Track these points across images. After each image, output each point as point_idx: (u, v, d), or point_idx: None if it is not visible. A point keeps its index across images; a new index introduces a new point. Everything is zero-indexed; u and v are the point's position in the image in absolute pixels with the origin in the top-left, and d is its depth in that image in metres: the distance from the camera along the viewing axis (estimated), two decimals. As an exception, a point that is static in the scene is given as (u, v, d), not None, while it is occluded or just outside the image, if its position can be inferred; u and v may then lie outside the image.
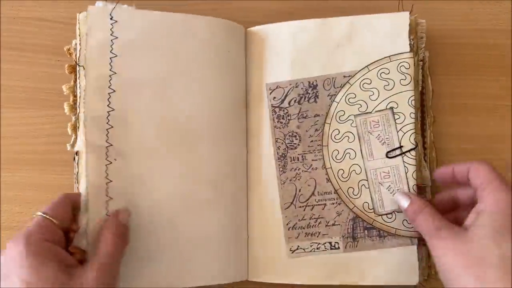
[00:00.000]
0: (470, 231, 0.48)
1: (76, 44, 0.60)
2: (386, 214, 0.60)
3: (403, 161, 0.59)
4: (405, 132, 0.59)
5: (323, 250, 0.60)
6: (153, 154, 0.58)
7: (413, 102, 0.59)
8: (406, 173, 0.59)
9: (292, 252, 0.61)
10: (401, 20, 0.60)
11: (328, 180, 0.61)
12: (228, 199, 0.61)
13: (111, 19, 0.58)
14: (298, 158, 0.61)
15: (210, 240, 0.59)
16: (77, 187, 0.59)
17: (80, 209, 0.55)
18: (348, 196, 0.60)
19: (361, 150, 0.60)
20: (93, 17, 0.58)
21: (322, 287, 0.61)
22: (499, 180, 0.50)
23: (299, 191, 0.61)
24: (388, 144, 0.60)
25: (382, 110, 0.60)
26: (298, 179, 0.61)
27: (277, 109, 0.62)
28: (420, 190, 0.60)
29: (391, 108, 0.60)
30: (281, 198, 0.61)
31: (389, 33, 0.61)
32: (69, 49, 0.61)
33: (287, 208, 0.61)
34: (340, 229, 0.60)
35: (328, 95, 0.61)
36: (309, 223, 0.60)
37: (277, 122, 0.62)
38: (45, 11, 0.67)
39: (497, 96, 0.65)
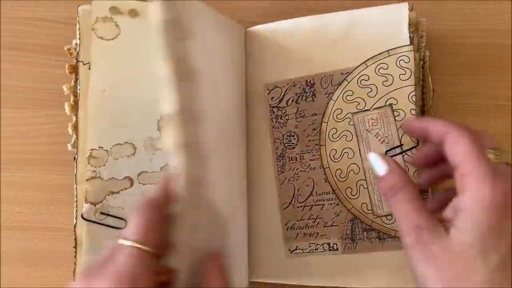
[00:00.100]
0: (452, 237, 0.39)
1: (76, 44, 0.60)
2: (386, 216, 0.59)
3: (404, 160, 0.58)
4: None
5: (322, 251, 0.60)
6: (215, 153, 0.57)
7: (413, 98, 0.58)
8: (406, 172, 0.59)
9: (291, 253, 0.60)
10: (399, 12, 0.59)
11: (326, 180, 0.60)
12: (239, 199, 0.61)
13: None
14: (296, 158, 0.61)
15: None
16: (76, 188, 0.59)
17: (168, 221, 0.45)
18: (346, 197, 0.60)
19: (359, 149, 0.59)
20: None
21: (321, 288, 0.61)
22: (484, 167, 0.39)
23: (297, 191, 0.61)
24: (387, 143, 0.59)
25: (381, 107, 0.59)
26: (297, 179, 0.61)
27: (275, 109, 0.62)
28: (421, 191, 0.59)
29: (391, 104, 0.59)
30: (280, 198, 0.61)
31: (387, 26, 0.59)
32: (69, 49, 0.61)
33: (286, 208, 0.61)
34: (339, 230, 0.60)
35: (326, 93, 0.61)
36: (308, 223, 0.60)
37: (275, 122, 0.62)
38: (45, 11, 0.68)
39: (497, 96, 0.65)
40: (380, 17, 0.59)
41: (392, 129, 0.59)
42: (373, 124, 0.59)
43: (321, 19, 0.61)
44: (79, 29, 0.60)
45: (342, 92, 0.60)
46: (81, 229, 0.58)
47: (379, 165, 0.47)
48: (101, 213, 0.58)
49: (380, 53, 0.59)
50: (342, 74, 0.60)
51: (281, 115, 0.61)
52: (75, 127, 0.60)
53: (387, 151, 0.58)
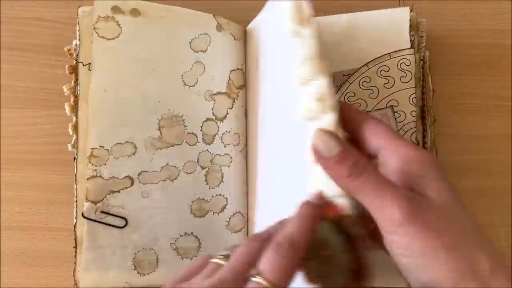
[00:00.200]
0: (433, 198, 0.40)
1: (76, 44, 0.60)
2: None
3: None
4: (406, 130, 0.59)
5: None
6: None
7: (414, 99, 0.59)
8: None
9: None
10: (401, 16, 0.60)
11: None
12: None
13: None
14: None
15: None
16: (77, 188, 0.59)
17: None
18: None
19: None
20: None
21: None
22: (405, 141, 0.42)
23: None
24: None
25: (382, 108, 0.60)
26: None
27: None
28: None
29: (391, 106, 0.59)
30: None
31: (389, 29, 0.60)
32: (69, 50, 0.61)
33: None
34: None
35: (328, 95, 0.61)
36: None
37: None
38: (45, 11, 0.67)
39: (497, 96, 0.65)
40: (382, 20, 0.60)
41: (393, 129, 0.59)
42: (374, 125, 0.59)
43: (323, 21, 0.61)
44: (79, 31, 0.60)
45: (344, 94, 0.60)
46: (81, 229, 0.58)
47: (328, 144, 0.42)
48: (102, 211, 0.58)
49: (382, 56, 0.60)
50: (344, 75, 0.61)
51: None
52: (75, 127, 0.60)
53: None
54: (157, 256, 0.59)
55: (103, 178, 0.58)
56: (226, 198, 0.62)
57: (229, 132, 0.62)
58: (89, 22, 0.59)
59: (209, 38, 0.62)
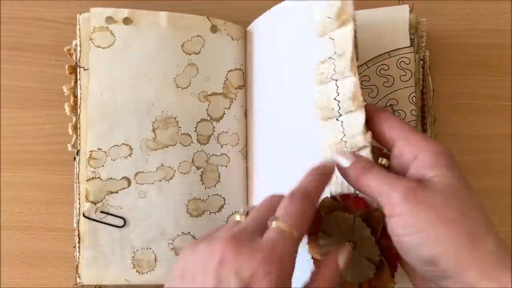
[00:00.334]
0: (437, 185, 0.42)
1: (76, 44, 0.61)
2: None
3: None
4: (406, 130, 0.59)
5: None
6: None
7: (413, 98, 0.58)
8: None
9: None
10: (400, 14, 0.59)
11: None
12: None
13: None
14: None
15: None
16: (78, 187, 0.60)
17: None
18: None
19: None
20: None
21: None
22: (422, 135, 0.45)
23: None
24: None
25: (382, 107, 0.59)
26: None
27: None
28: None
29: (391, 105, 0.59)
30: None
31: (388, 27, 0.59)
32: (69, 50, 0.62)
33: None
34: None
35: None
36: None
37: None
38: (45, 11, 0.68)
39: (497, 96, 0.65)
40: (381, 19, 0.59)
41: (393, 129, 0.59)
42: (374, 124, 0.59)
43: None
44: (79, 36, 0.61)
45: (344, 93, 0.60)
46: (83, 227, 0.59)
47: (344, 158, 0.46)
48: (101, 212, 0.59)
49: (381, 55, 0.59)
50: (344, 75, 0.60)
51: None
52: (75, 127, 0.60)
53: None
54: (155, 255, 0.59)
55: (101, 179, 0.59)
56: (224, 198, 0.62)
57: (227, 132, 0.62)
58: (89, 28, 0.61)
59: (202, 40, 0.62)
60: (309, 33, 0.52)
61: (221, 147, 0.62)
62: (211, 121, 0.62)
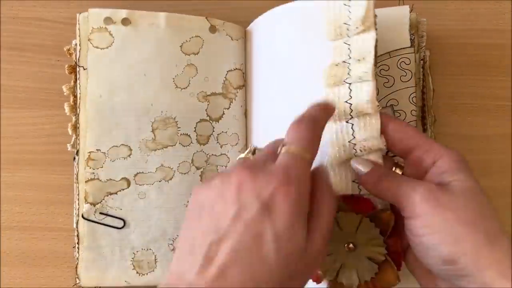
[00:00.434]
0: (455, 187, 0.44)
1: (76, 44, 0.61)
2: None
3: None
4: (406, 130, 0.59)
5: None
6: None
7: (414, 99, 0.58)
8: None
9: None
10: (401, 14, 0.59)
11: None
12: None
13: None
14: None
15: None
16: (77, 188, 0.60)
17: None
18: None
19: (361, 150, 0.60)
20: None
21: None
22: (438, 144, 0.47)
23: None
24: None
25: (383, 108, 0.59)
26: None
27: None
28: None
29: (392, 105, 0.59)
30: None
31: (389, 28, 0.58)
32: (69, 49, 0.62)
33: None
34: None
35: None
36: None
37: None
38: (45, 11, 0.67)
39: (497, 96, 0.65)
40: (381, 19, 0.59)
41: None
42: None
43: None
44: (79, 36, 0.61)
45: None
46: (83, 228, 0.59)
47: (362, 165, 0.48)
48: (101, 213, 0.59)
49: (381, 55, 0.59)
50: (344, 75, 0.60)
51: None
52: (75, 127, 0.60)
53: (388, 151, 0.58)
54: (155, 256, 0.60)
55: (100, 180, 0.59)
56: (223, 199, 0.61)
57: (226, 132, 0.62)
58: (88, 28, 0.61)
59: (201, 40, 0.62)
60: (316, 35, 0.53)
61: (221, 147, 0.62)
62: (211, 121, 0.62)
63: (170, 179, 0.60)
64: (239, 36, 0.64)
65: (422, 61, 0.61)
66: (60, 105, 0.61)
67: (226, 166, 0.62)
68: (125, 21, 0.61)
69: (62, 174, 0.65)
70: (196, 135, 0.61)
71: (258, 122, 0.62)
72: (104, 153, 0.59)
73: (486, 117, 0.65)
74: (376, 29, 0.49)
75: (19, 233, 0.65)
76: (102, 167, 0.59)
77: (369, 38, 0.49)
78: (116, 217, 0.59)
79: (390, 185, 0.46)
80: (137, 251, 0.59)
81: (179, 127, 0.61)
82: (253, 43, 0.64)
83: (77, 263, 0.59)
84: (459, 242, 0.41)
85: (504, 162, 0.65)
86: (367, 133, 0.48)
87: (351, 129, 0.49)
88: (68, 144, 0.61)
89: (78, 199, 0.60)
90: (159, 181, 0.60)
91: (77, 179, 0.60)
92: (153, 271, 0.59)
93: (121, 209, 0.59)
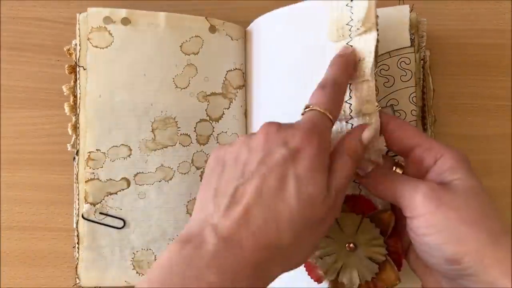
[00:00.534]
0: (458, 186, 0.44)
1: (76, 44, 0.61)
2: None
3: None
4: (406, 130, 0.59)
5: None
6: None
7: (414, 99, 0.58)
8: (407, 172, 0.59)
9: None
10: (401, 14, 0.59)
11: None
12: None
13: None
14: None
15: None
16: (77, 188, 0.60)
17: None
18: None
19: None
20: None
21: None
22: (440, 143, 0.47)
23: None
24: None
25: (383, 107, 0.59)
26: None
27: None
28: None
29: (392, 105, 0.59)
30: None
31: (389, 27, 0.58)
32: (69, 49, 0.62)
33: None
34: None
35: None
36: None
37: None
38: (45, 11, 0.67)
39: (497, 96, 0.65)
40: (381, 19, 0.59)
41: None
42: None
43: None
44: (79, 35, 0.61)
45: (344, 93, 0.60)
46: (82, 228, 0.59)
47: (362, 165, 0.49)
48: (101, 213, 0.59)
49: (381, 55, 0.59)
50: (344, 75, 0.60)
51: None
52: (75, 127, 0.60)
53: (387, 151, 0.57)
54: (155, 256, 0.60)
55: (100, 180, 0.59)
56: (223, 199, 0.61)
57: (226, 132, 0.62)
58: (88, 28, 0.60)
59: (201, 40, 0.62)
60: (317, 36, 0.53)
61: (221, 147, 0.62)
62: (211, 121, 0.62)
63: (170, 179, 0.60)
64: (239, 36, 0.64)
65: (422, 61, 0.61)
66: (60, 105, 0.61)
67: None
68: (125, 21, 0.60)
69: (62, 174, 0.65)
70: (196, 135, 0.61)
71: (258, 122, 0.62)
72: (104, 153, 0.59)
73: (486, 117, 0.65)
74: (377, 29, 0.49)
75: (19, 233, 0.64)
76: (102, 167, 0.59)
77: (371, 38, 0.49)
78: (116, 217, 0.59)
79: (391, 185, 0.46)
80: (137, 251, 0.59)
81: (179, 127, 0.61)
82: (253, 43, 0.64)
83: (77, 263, 0.59)
84: (462, 242, 0.41)
85: (504, 162, 0.65)
86: None
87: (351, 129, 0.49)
88: (68, 144, 0.61)
89: (78, 199, 0.60)
90: (159, 181, 0.60)
91: (77, 179, 0.60)
92: (153, 271, 0.59)
93: (121, 209, 0.59)
